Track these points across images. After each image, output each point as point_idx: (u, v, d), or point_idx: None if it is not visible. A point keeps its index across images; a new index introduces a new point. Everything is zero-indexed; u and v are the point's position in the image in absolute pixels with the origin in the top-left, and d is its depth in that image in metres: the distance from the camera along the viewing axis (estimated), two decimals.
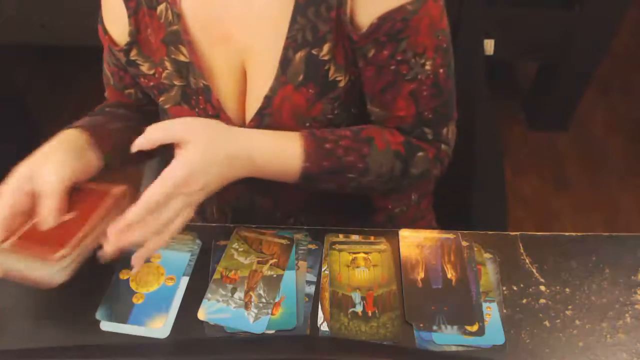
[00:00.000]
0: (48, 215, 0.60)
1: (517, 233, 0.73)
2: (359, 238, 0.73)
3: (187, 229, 0.74)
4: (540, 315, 0.65)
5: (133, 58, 0.73)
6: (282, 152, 0.65)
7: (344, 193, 0.73)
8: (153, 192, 0.57)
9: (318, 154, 0.66)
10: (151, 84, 0.74)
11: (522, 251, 0.71)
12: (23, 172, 0.61)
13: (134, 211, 0.56)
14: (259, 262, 0.69)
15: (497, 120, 0.99)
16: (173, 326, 0.64)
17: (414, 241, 0.72)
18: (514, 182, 1.89)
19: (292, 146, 0.66)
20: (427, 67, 0.64)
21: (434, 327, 0.63)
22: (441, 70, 0.66)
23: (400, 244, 0.72)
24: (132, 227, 0.57)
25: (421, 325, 0.64)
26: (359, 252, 0.71)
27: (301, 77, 0.67)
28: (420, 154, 0.70)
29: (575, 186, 1.91)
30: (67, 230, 0.60)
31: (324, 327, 0.64)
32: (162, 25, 0.69)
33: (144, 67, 0.73)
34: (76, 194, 0.64)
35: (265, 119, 0.70)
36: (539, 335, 0.63)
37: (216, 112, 0.72)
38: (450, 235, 0.73)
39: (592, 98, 2.12)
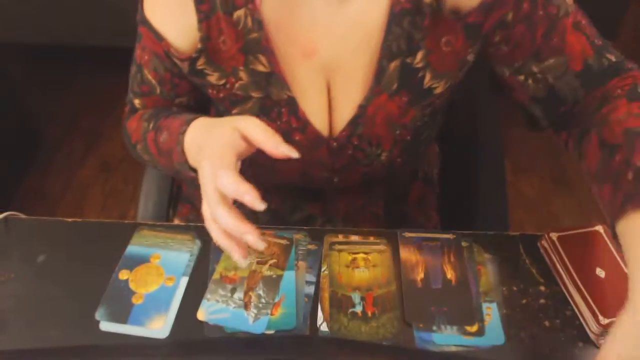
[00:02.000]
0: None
1: (517, 233, 0.73)
2: (359, 238, 0.73)
3: (187, 229, 0.74)
4: (540, 315, 0.65)
5: (200, 67, 0.67)
6: None
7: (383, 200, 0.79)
8: None
9: None
10: (221, 95, 0.69)
11: (522, 251, 0.71)
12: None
13: None
14: (258, 263, 0.69)
15: (498, 120, 0.99)
16: (172, 326, 0.64)
17: (414, 241, 0.72)
18: (514, 182, 1.89)
19: None
20: (569, 0, 0.65)
21: (434, 328, 0.63)
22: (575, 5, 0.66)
23: (400, 244, 0.72)
24: None
25: (421, 325, 0.64)
26: (358, 253, 0.71)
27: (395, 86, 0.66)
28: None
29: (575, 186, 1.91)
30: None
31: (324, 328, 0.64)
32: (240, 32, 0.64)
33: (213, 77, 0.68)
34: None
35: (359, 127, 0.70)
36: (539, 335, 0.63)
37: (301, 125, 0.69)
38: (450, 236, 0.73)
39: None
